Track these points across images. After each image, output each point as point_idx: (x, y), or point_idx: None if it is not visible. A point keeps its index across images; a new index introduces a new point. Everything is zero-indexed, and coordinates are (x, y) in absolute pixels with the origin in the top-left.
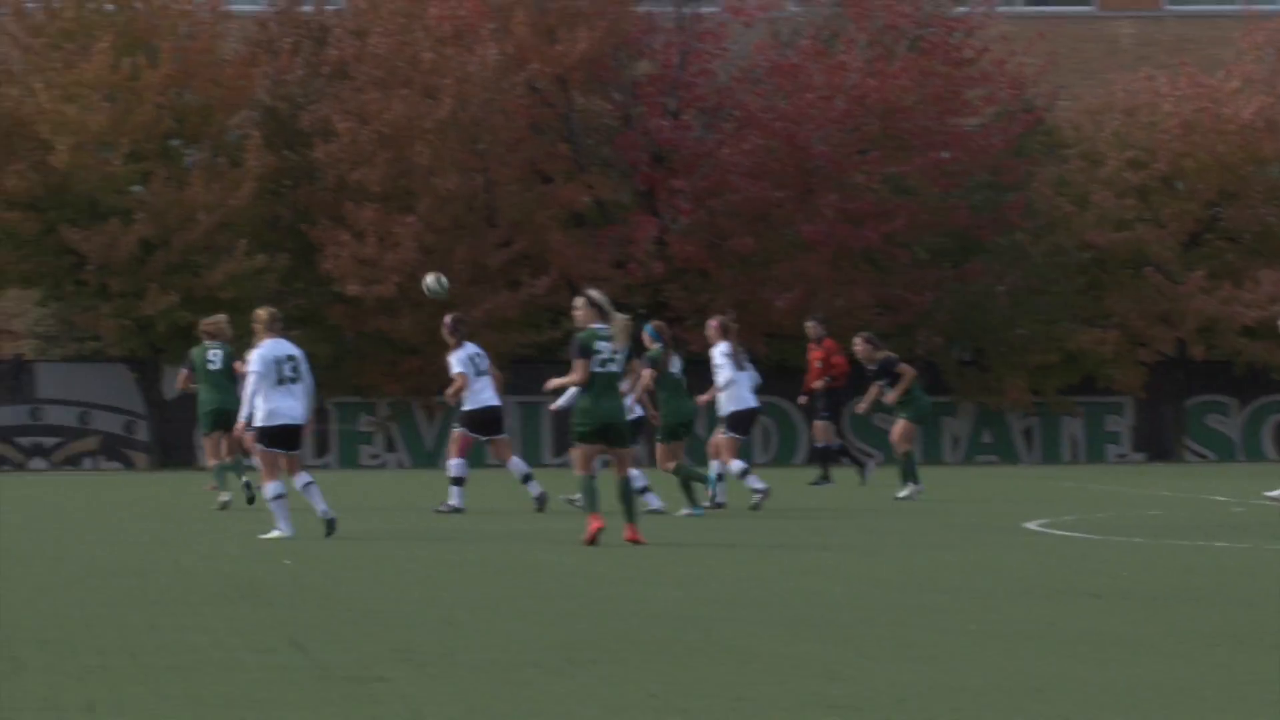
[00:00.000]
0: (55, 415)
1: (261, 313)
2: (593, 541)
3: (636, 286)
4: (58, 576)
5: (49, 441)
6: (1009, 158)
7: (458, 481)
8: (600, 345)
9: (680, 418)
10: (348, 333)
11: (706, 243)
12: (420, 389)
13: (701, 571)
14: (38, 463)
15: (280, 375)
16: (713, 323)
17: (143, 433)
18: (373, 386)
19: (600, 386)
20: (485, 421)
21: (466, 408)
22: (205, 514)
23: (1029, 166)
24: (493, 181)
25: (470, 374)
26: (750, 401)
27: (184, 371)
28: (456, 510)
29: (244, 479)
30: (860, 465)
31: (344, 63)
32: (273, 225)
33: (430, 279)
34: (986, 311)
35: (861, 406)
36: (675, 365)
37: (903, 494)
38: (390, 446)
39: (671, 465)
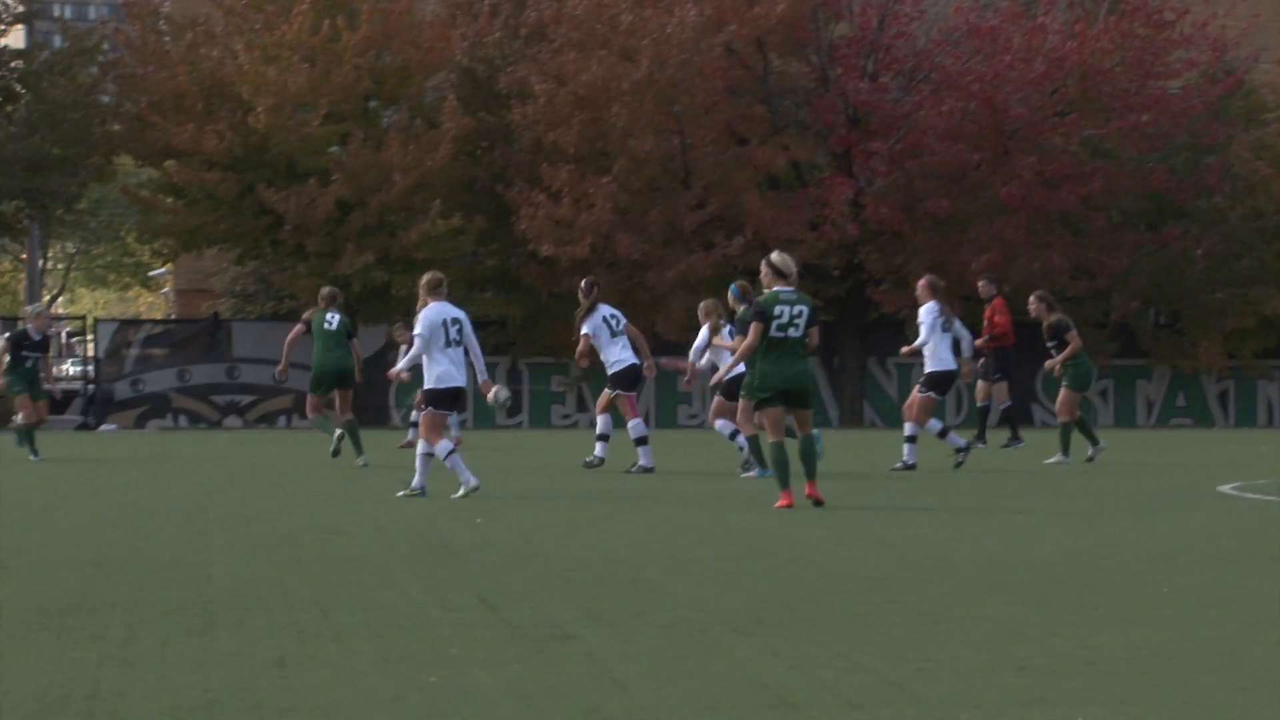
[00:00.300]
0: (250, 374)
1: (426, 276)
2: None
3: (831, 249)
4: (252, 534)
5: (244, 399)
6: (1208, 121)
7: (642, 441)
8: (780, 309)
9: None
10: (541, 293)
11: (902, 205)
12: None
13: (890, 533)
14: (233, 420)
15: (447, 338)
16: (922, 281)
17: None
18: (566, 347)
19: (780, 350)
20: (629, 379)
21: (612, 370)
22: (395, 472)
23: (1228, 130)
24: (688, 143)
25: (605, 336)
26: (950, 363)
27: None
28: (647, 470)
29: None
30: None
31: (542, 24)
32: (468, 187)
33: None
34: (1183, 275)
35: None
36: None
37: (1051, 460)
38: (582, 406)
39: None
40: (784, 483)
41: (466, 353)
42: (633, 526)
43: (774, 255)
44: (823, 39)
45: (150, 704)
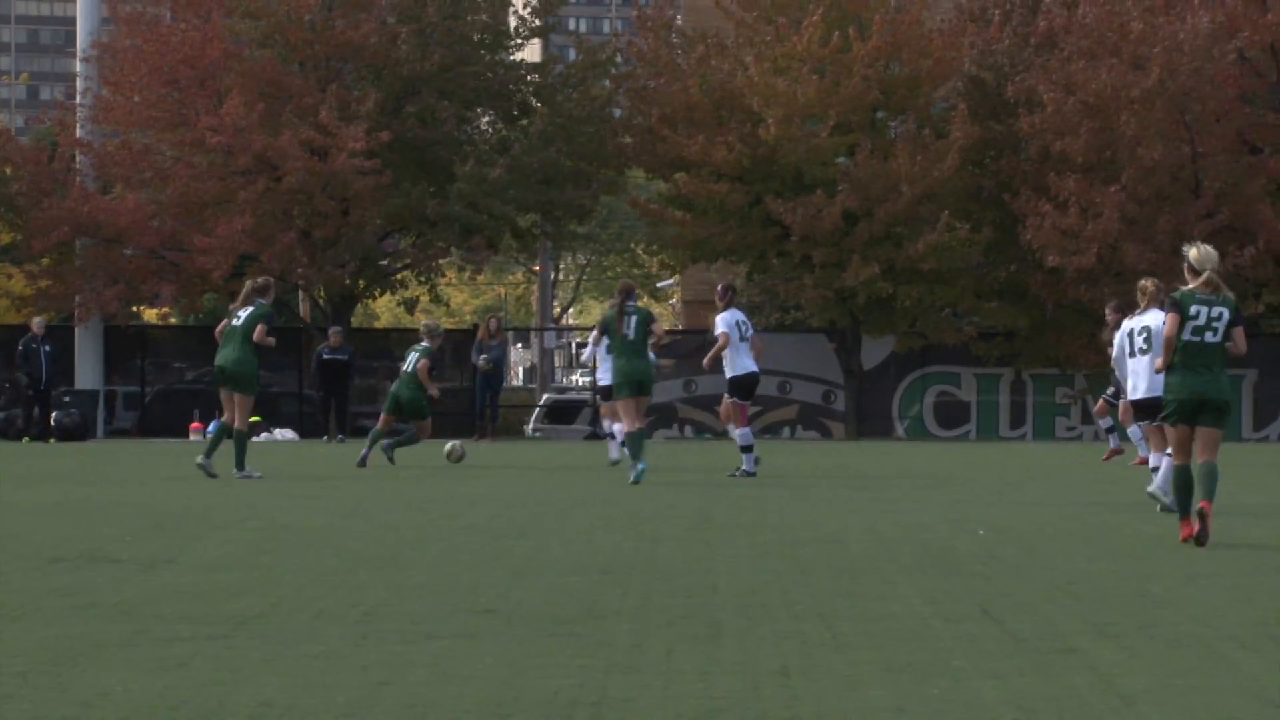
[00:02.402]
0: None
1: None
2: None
3: None
4: (756, 542)
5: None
6: None
7: (748, 449)
8: (1196, 309)
9: None
10: (1048, 304)
11: None
12: None
13: None
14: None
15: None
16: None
17: (840, 402)
18: (1070, 358)
19: (1193, 356)
20: (746, 386)
21: (731, 374)
22: (903, 483)
23: None
24: (1199, 152)
25: (735, 339)
26: None
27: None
28: (749, 474)
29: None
30: None
31: (1052, 33)
32: (974, 196)
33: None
34: None
35: None
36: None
37: None
38: (1085, 418)
39: None
40: (1185, 510)
41: None
42: (1139, 540)
43: (1191, 249)
44: None
45: (656, 711)
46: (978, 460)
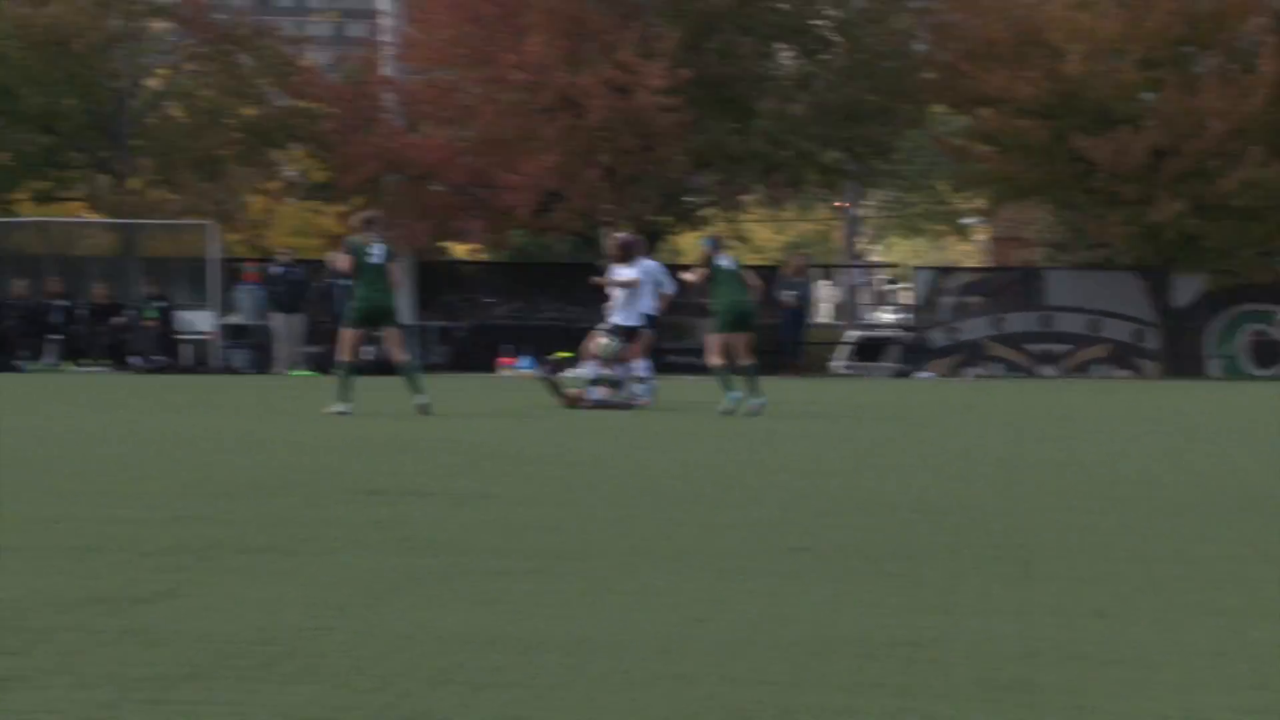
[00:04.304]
0: (1065, 323)
1: None
2: None
3: None
4: (1068, 482)
5: (1058, 349)
6: None
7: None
8: None
9: None
10: None
11: None
12: None
13: None
14: (1047, 369)
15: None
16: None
17: (1152, 341)
18: None
19: None
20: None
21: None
22: (1218, 423)
23: None
24: None
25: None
26: None
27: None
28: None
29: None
30: None
31: None
32: None
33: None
34: None
35: None
36: None
37: None
38: None
39: None
40: None
41: None
42: None
43: None
44: None
45: (971, 652)
46: None
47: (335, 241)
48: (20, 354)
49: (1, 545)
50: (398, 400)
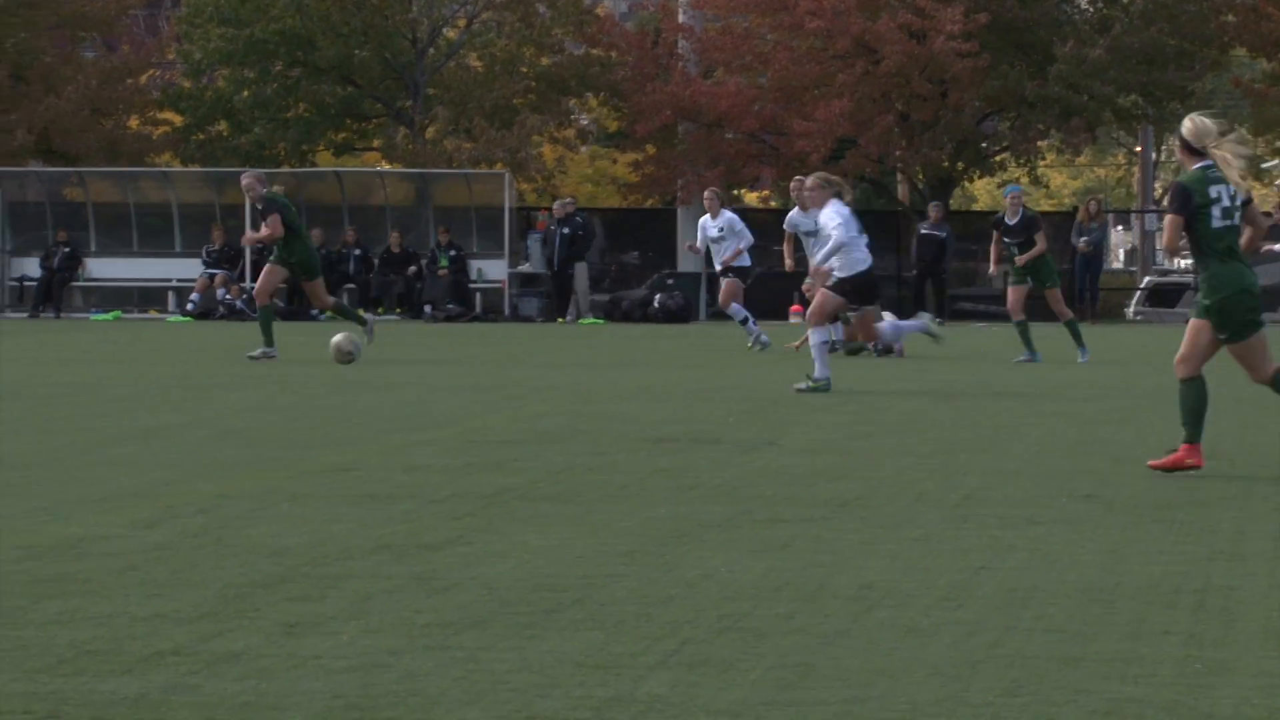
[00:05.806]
0: None
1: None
2: None
3: None
4: None
5: None
6: None
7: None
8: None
9: None
10: None
11: None
12: None
13: None
14: None
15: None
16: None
17: None
18: None
19: None
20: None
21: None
22: None
23: None
24: None
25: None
26: None
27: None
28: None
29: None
30: None
31: None
32: None
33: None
34: None
35: None
36: None
37: None
38: None
39: None
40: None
41: None
42: None
43: None
44: None
45: (1260, 599)
46: None
47: (631, 189)
48: None
49: (295, 494)
50: (694, 349)
